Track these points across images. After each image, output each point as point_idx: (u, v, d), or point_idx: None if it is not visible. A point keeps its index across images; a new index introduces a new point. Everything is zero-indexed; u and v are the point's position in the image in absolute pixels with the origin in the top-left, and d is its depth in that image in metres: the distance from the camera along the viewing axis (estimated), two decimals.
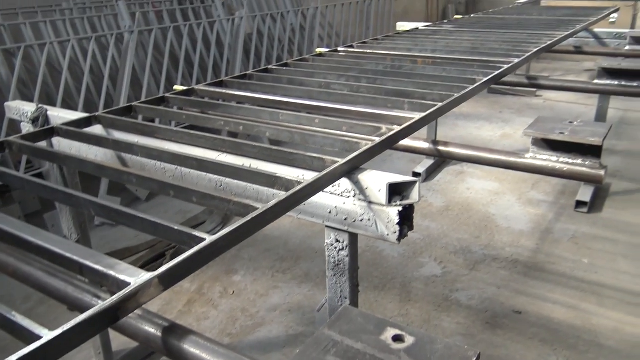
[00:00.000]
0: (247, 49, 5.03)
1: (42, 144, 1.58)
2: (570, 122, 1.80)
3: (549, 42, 2.82)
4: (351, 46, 2.91)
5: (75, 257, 0.91)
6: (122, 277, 0.85)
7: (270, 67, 2.33)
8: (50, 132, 1.59)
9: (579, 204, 3.56)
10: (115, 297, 0.78)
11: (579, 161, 1.67)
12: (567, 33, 3.18)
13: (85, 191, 1.81)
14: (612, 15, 4.65)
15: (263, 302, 2.70)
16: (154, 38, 4.30)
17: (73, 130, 1.56)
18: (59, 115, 1.74)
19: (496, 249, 3.12)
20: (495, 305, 2.62)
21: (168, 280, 0.84)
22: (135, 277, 0.83)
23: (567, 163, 1.70)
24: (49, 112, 1.76)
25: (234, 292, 2.80)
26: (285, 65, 2.42)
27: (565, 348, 2.33)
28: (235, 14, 4.97)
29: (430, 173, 4.27)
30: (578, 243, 3.17)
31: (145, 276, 0.82)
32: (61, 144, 1.68)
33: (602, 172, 1.61)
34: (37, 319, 0.84)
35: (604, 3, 6.83)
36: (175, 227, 0.98)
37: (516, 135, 5.10)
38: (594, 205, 3.61)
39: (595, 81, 3.43)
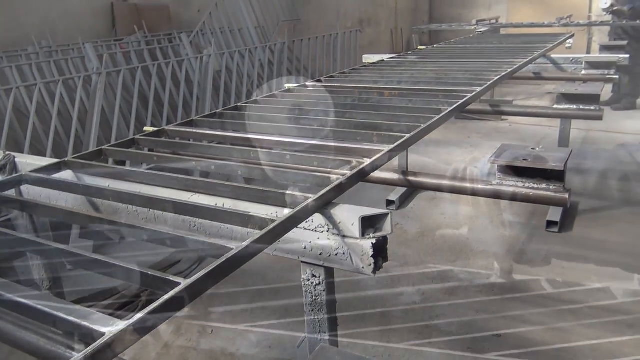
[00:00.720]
0: (217, 86, 5.07)
1: (11, 192, 1.56)
2: (533, 149, 1.87)
3: (509, 70, 2.93)
4: (319, 80, 2.96)
5: (47, 310, 0.89)
6: (95, 327, 0.83)
7: (239, 104, 2.36)
8: (19, 180, 1.57)
9: (550, 224, 3.64)
10: (89, 349, 0.77)
11: (544, 186, 1.73)
12: (526, 60, 3.30)
13: (56, 233, 1.79)
14: (568, 41, 4.86)
15: (243, 340, 2.66)
16: (122, 79, 4.30)
17: (42, 177, 1.54)
18: (27, 162, 1.71)
19: (472, 273, 3.16)
20: (475, 330, 2.64)
21: (144, 328, 0.84)
22: (109, 327, 0.82)
23: (532, 188, 1.75)
24: (16, 159, 1.74)
25: (212, 330, 2.75)
26: (255, 102, 2.44)
27: None
28: (203, 51, 5.02)
29: (404, 200, 4.32)
30: (551, 263, 3.23)
31: (119, 325, 0.81)
32: (30, 192, 1.65)
33: (566, 196, 1.67)
34: None
35: (559, 29, 7.13)
36: (149, 273, 0.97)
37: (485, 160, 5.21)
38: (564, 224, 3.70)
39: (555, 106, 3.56)
